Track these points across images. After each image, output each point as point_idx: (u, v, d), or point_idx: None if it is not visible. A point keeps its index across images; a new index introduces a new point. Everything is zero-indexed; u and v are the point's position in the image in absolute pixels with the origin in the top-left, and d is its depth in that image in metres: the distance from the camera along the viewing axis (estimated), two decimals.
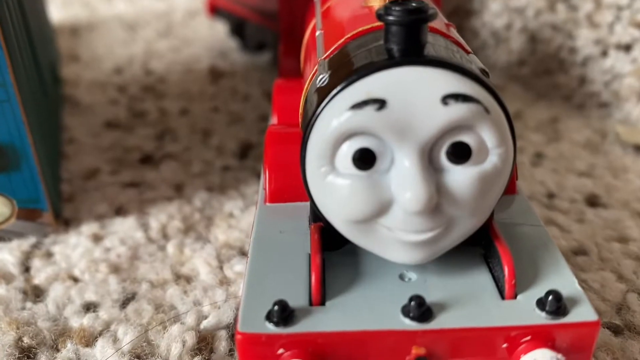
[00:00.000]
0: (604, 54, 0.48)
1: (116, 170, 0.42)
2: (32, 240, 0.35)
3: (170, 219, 0.36)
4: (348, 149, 0.22)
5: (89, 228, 0.36)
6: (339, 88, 0.22)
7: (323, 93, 0.23)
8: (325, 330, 0.21)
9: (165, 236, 0.35)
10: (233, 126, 0.47)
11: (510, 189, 0.28)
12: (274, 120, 0.33)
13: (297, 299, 0.22)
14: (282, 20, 0.43)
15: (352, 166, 0.22)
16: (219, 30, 0.63)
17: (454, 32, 0.27)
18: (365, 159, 0.22)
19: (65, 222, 0.37)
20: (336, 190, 0.22)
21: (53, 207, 0.35)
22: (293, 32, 0.41)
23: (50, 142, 0.40)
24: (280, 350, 0.21)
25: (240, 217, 0.37)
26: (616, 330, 0.28)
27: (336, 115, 0.22)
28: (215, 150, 0.44)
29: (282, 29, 0.43)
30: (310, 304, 0.23)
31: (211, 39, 0.63)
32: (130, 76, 0.56)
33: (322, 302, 0.23)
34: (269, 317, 0.22)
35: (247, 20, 0.55)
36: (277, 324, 0.21)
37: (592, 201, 0.38)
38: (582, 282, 0.26)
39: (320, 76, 0.23)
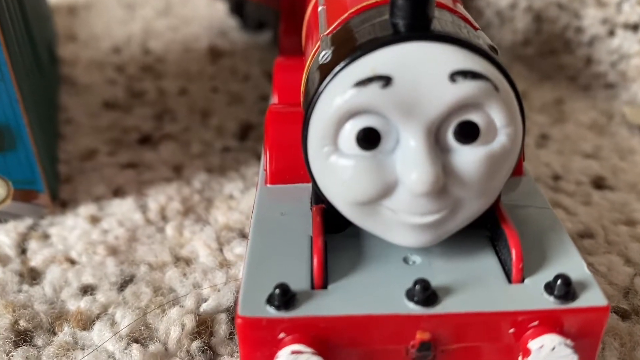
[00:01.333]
0: (611, 33, 0.47)
1: (114, 151, 0.41)
2: (28, 221, 0.34)
3: (169, 200, 0.36)
4: (352, 128, 0.21)
5: (86, 209, 0.35)
6: (342, 64, 0.21)
7: (326, 70, 0.22)
8: (328, 314, 0.21)
9: (164, 218, 0.35)
10: (233, 106, 0.46)
11: (517, 170, 0.27)
12: (274, 99, 0.32)
13: (298, 282, 0.22)
14: None
15: (356, 146, 0.21)
16: (219, 9, 0.62)
17: (460, 8, 0.26)
18: (369, 139, 0.21)
19: (62, 204, 0.36)
20: (339, 171, 0.22)
21: (50, 188, 0.35)
22: (294, 9, 0.41)
23: (47, 123, 0.39)
24: (282, 335, 0.21)
25: (241, 198, 0.36)
26: (623, 315, 0.28)
27: (339, 93, 0.21)
28: (214, 131, 0.43)
29: (283, 7, 0.42)
30: (312, 287, 0.22)
31: (210, 18, 0.62)
32: (128, 56, 0.55)
33: (325, 286, 0.22)
34: (269, 300, 0.21)
35: None
36: (278, 308, 0.21)
37: (599, 183, 0.38)
38: (589, 266, 0.25)
39: (323, 52, 0.23)
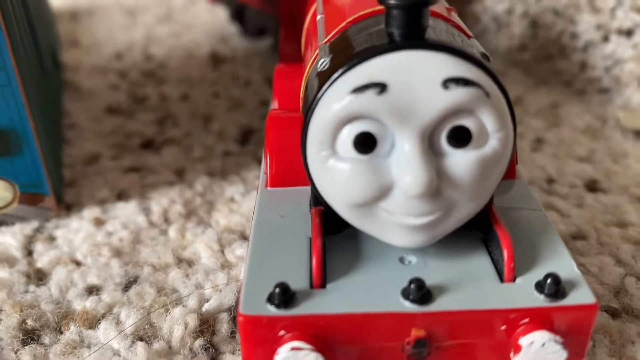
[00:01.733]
0: (605, 39, 0.48)
1: (117, 155, 0.42)
2: (34, 224, 0.35)
3: (172, 203, 0.36)
4: (349, 133, 0.22)
5: (90, 212, 0.36)
6: (339, 72, 0.22)
7: (324, 77, 0.23)
8: (326, 313, 0.22)
9: (167, 220, 0.35)
10: (234, 111, 0.47)
11: (510, 173, 0.28)
12: (274, 105, 0.33)
13: (298, 281, 0.23)
14: (282, 4, 0.43)
15: (353, 150, 0.22)
16: (220, 15, 0.63)
17: (455, 17, 0.27)
18: (366, 143, 0.22)
19: (67, 207, 0.37)
20: (337, 174, 0.23)
21: (55, 191, 0.35)
22: (294, 17, 0.41)
23: (52, 127, 0.40)
24: (282, 332, 0.22)
25: (242, 201, 0.37)
26: (614, 314, 0.28)
27: (337, 99, 0.22)
28: (216, 136, 0.44)
29: (283, 14, 0.43)
30: (311, 286, 0.23)
31: (211, 25, 0.63)
32: (130, 61, 0.56)
33: (323, 285, 0.23)
34: (270, 299, 0.22)
35: (247, 5, 0.55)
36: (278, 306, 0.22)
37: (592, 186, 0.38)
38: (581, 266, 0.26)
39: (321, 60, 0.23)
